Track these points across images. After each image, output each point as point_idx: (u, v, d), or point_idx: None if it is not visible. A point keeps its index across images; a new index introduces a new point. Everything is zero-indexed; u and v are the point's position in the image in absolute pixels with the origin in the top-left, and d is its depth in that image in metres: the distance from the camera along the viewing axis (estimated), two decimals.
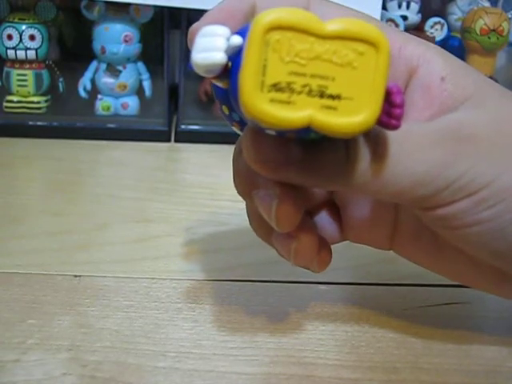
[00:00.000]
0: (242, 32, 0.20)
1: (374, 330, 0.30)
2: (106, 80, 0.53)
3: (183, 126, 0.53)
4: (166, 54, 0.53)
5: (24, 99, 0.52)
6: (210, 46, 0.21)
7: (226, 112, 0.26)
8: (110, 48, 0.51)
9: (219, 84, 0.22)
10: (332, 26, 0.20)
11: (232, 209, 0.29)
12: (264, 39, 0.19)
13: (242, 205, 0.29)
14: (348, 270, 0.35)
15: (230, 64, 0.21)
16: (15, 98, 0.52)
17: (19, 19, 0.51)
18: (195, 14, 0.50)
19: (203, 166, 0.49)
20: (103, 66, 0.52)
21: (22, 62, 0.51)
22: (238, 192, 0.28)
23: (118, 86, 0.53)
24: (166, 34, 0.53)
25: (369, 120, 0.20)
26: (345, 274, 0.34)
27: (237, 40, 0.20)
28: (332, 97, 0.20)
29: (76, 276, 0.33)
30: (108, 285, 0.32)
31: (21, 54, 0.51)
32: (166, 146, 0.53)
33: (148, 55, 0.54)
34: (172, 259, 0.35)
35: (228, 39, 0.21)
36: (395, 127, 0.21)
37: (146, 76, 0.54)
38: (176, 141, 0.53)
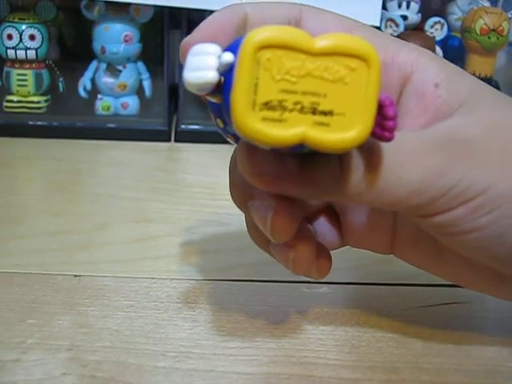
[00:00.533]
0: (234, 47, 0.20)
1: (373, 330, 0.30)
2: (106, 80, 0.53)
3: (183, 126, 0.53)
4: (166, 54, 0.53)
5: (24, 99, 0.52)
6: (201, 65, 0.21)
7: (221, 125, 0.25)
8: (109, 48, 0.51)
9: (212, 99, 0.22)
10: (322, 43, 0.19)
11: (232, 209, 0.29)
12: (255, 58, 0.19)
13: None
14: (348, 270, 0.35)
15: (222, 79, 0.21)
16: (15, 98, 0.52)
17: (19, 19, 0.51)
18: (195, 14, 0.50)
19: (203, 166, 0.49)
20: (103, 65, 0.52)
21: (22, 62, 0.51)
22: (235, 203, 0.28)
23: (118, 85, 0.53)
24: (166, 34, 0.53)
25: (361, 135, 0.20)
26: (345, 274, 0.34)
27: (228, 57, 0.20)
28: (324, 113, 0.20)
29: (76, 276, 0.33)
30: (108, 285, 0.32)
31: (21, 54, 0.51)
32: (165, 146, 0.53)
33: (148, 55, 0.54)
34: (172, 259, 0.35)
35: (219, 57, 0.21)
36: (388, 139, 0.21)
37: (145, 76, 0.54)
38: (176, 141, 0.53)
